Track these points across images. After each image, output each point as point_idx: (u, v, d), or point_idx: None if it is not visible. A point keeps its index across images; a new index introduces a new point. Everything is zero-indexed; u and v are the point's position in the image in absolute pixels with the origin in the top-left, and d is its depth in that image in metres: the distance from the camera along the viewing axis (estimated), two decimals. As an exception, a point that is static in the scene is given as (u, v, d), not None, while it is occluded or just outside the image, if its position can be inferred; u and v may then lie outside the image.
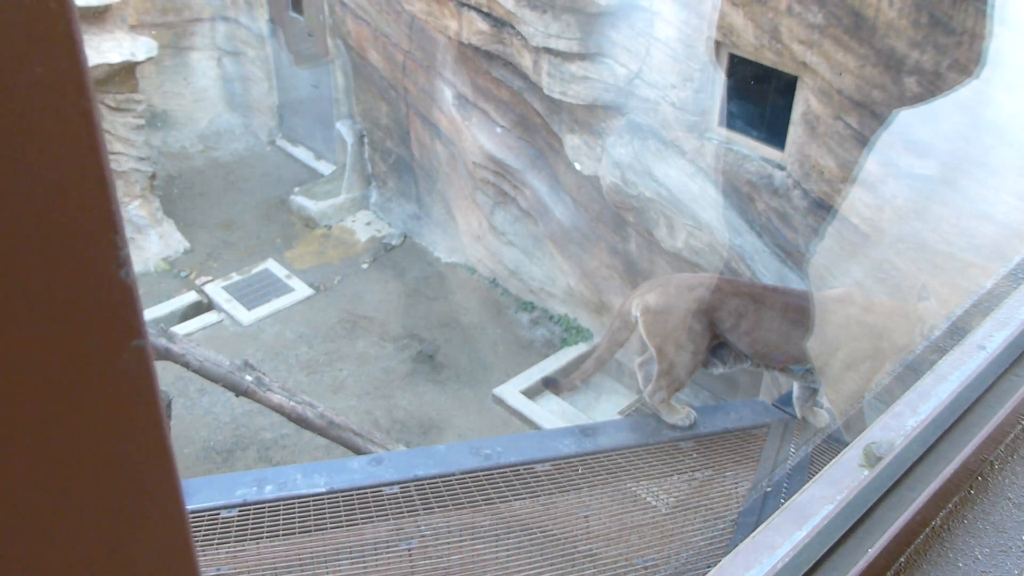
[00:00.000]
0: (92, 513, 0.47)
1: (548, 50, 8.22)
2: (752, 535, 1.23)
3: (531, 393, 8.91)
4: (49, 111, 0.41)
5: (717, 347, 4.21)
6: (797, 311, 4.04)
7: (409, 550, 3.63)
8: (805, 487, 1.32)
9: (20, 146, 0.41)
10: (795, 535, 1.19)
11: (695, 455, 4.40)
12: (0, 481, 0.45)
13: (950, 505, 1.29)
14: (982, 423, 1.36)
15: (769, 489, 4.03)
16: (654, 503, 4.09)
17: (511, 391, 8.90)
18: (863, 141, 6.42)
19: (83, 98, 0.42)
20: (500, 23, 8.71)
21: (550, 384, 4.86)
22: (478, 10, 8.84)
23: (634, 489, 4.20)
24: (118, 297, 0.45)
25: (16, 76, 0.40)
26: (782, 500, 3.96)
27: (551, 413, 8.70)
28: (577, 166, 8.67)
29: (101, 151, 0.42)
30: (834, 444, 4.39)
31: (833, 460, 1.38)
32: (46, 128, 0.41)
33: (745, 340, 4.10)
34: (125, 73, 10.24)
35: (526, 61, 8.59)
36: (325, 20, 11.49)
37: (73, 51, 0.41)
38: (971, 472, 1.34)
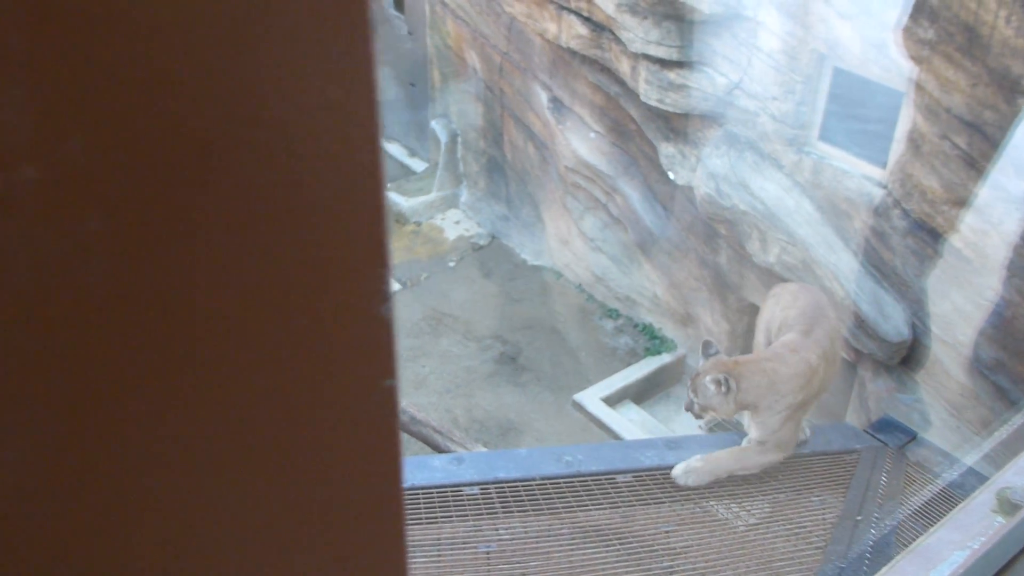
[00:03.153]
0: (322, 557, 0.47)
1: (647, 57, 8.16)
2: (871, 580, 1.18)
3: (612, 401, 8.85)
4: (337, 136, 0.40)
5: None
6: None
7: (487, 553, 3.64)
8: (932, 530, 1.27)
9: (302, 172, 0.40)
10: (921, 584, 1.14)
11: (780, 476, 4.32)
12: (248, 515, 0.44)
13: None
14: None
15: (860, 519, 3.92)
16: (736, 522, 4.03)
17: (592, 398, 8.85)
18: (971, 162, 6.21)
19: (371, 123, 0.40)
20: (599, 28, 8.68)
21: None
22: (578, 14, 8.82)
23: (716, 507, 4.14)
24: (378, 334, 0.44)
25: (311, 97, 0.39)
26: (872, 531, 3.86)
27: (631, 422, 8.63)
28: (671, 175, 8.58)
29: (382, 178, 0.41)
30: (926, 476, 4.26)
31: (962, 503, 1.32)
32: (332, 153, 0.40)
33: None
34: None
35: (624, 67, 8.54)
36: (426, 19, 11.61)
37: (369, 72, 0.39)
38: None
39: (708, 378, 3.63)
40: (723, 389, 3.62)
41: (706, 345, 3.90)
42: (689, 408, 3.82)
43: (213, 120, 0.36)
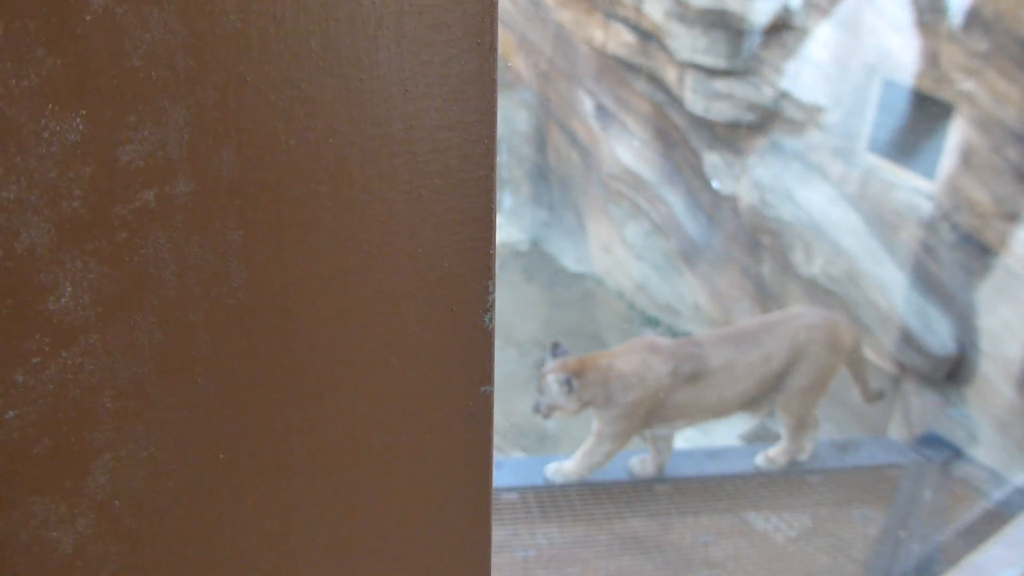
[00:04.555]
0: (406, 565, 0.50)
1: (694, 65, 8.13)
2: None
3: (650, 409, 8.79)
4: (456, 153, 0.43)
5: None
6: None
7: (525, 559, 3.65)
8: (982, 546, 1.26)
9: (422, 186, 0.43)
10: (973, 602, 1.14)
11: (822, 489, 4.28)
12: (353, 510, 0.47)
13: None
14: None
15: (903, 534, 3.89)
16: (775, 535, 4.01)
17: (630, 406, 8.81)
18: (1022, 176, 6.12)
19: (489, 141, 0.43)
20: (647, 36, 8.67)
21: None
22: (625, 22, 8.82)
23: (755, 519, 4.12)
24: (479, 342, 0.46)
25: (434, 117, 0.41)
26: (916, 547, 3.82)
27: (670, 431, 8.58)
28: (715, 184, 8.55)
29: (494, 193, 0.44)
30: (971, 493, 4.21)
31: (1014, 521, 1.31)
32: (450, 169, 0.43)
33: None
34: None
35: (670, 75, 8.52)
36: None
37: (490, 94, 0.41)
38: None
39: (552, 378, 3.70)
40: (566, 389, 3.68)
41: (554, 346, 3.96)
42: (537, 408, 3.87)
43: (346, 137, 0.39)
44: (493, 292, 0.45)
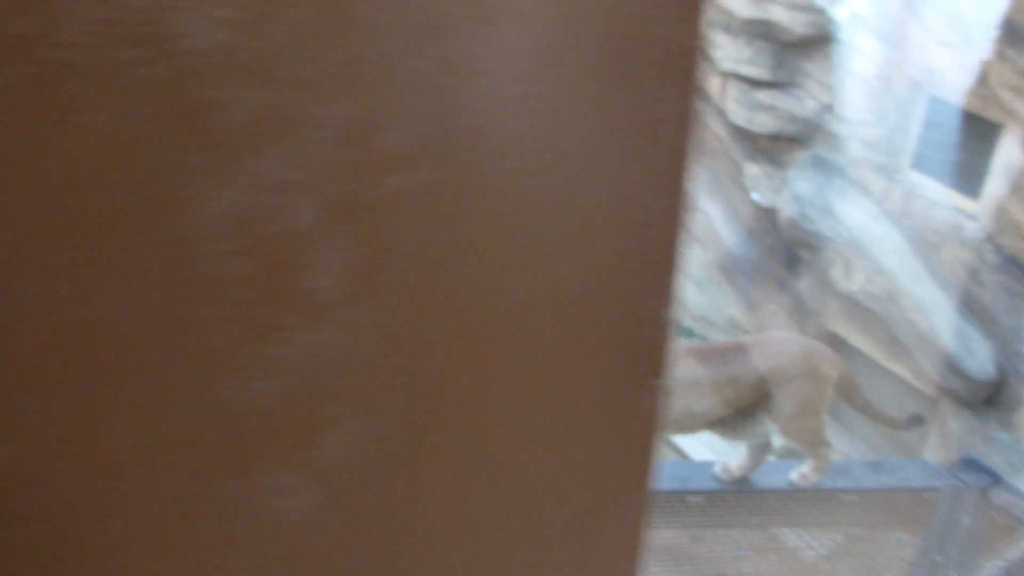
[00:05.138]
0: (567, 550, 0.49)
1: (737, 76, 8.11)
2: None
3: (680, 420, 8.75)
4: (642, 152, 0.44)
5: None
6: None
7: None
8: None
9: (604, 182, 0.44)
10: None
11: (856, 509, 4.24)
12: (507, 507, 0.47)
13: None
14: None
15: (940, 559, 3.84)
16: (806, 552, 3.98)
17: (660, 415, 8.77)
18: (1070, 200, 6.05)
19: (686, 126, 0.43)
20: (690, 45, 8.65)
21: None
22: (669, 30, 8.81)
23: (787, 535, 4.09)
24: (656, 335, 0.47)
25: (641, 110, 0.41)
26: (951, 574, 3.77)
27: (699, 443, 8.54)
28: (755, 196, 8.50)
29: (685, 189, 0.44)
30: (1012, 521, 4.15)
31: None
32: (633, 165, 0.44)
33: None
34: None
35: (713, 85, 8.49)
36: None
37: (689, 93, 0.43)
38: None
39: None
40: None
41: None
42: None
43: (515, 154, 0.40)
44: (674, 286, 0.46)
